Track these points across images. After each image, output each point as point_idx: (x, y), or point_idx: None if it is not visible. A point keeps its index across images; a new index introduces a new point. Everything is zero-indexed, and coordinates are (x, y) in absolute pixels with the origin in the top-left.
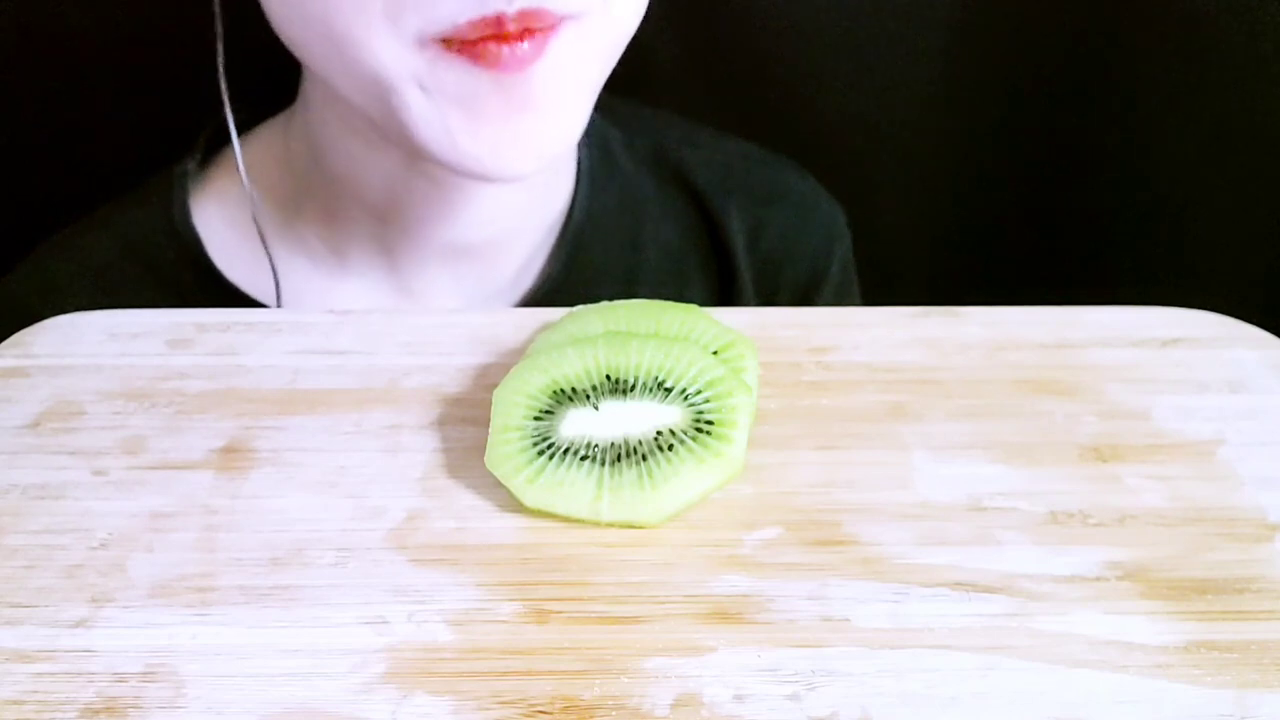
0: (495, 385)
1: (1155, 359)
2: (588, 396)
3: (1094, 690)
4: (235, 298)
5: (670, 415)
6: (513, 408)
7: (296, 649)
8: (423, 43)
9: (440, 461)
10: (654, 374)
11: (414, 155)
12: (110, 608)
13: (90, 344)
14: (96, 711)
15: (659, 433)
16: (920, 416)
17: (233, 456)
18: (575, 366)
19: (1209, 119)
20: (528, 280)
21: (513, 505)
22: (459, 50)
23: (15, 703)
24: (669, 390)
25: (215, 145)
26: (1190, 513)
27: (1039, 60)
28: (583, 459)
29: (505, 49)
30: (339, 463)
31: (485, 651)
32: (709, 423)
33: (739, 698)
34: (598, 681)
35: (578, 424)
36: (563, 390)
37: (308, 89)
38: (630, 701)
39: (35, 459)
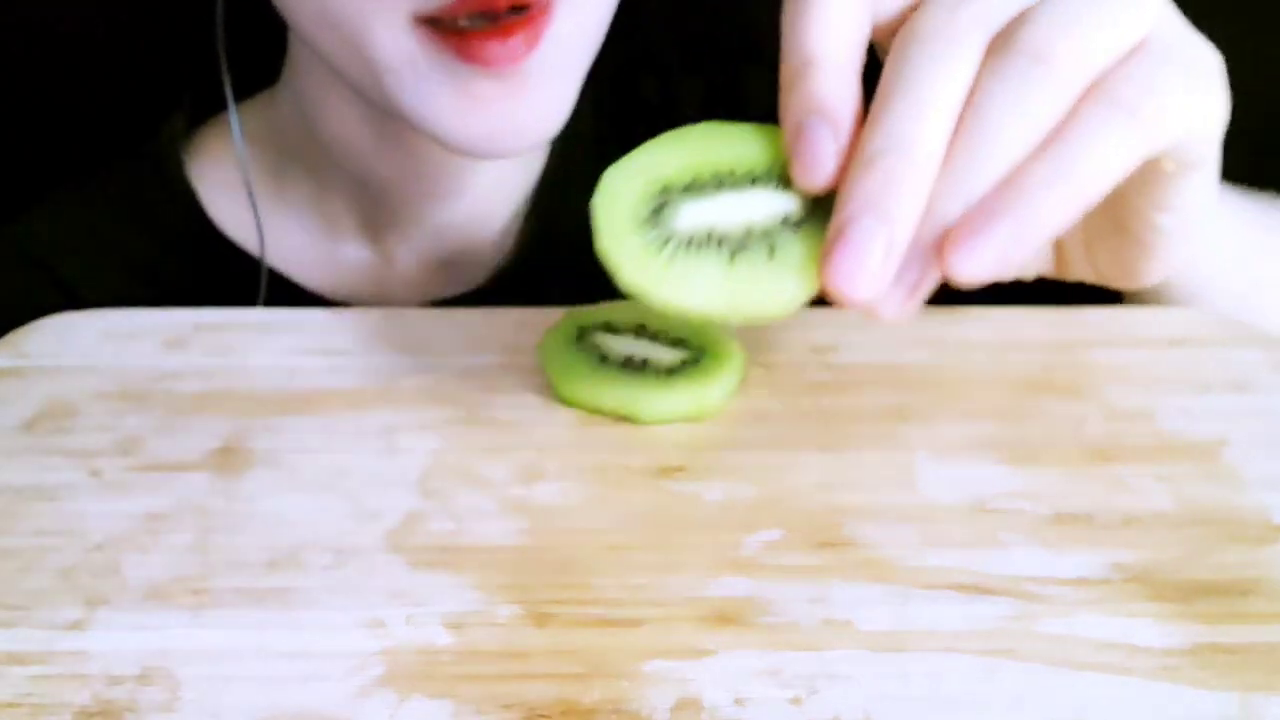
0: (494, 385)
1: (1159, 359)
2: (697, 188)
3: (1098, 693)
4: (235, 254)
5: (787, 203)
6: (625, 206)
7: (293, 652)
8: (416, 23)
9: (438, 462)
10: (764, 165)
11: (406, 127)
12: (105, 610)
13: (85, 344)
14: (92, 715)
15: (785, 218)
16: (923, 417)
17: (229, 457)
18: (678, 161)
19: None
20: (509, 242)
21: (511, 507)
22: (450, 42)
23: (10, 705)
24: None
25: (200, 113)
26: (1195, 514)
27: None
28: (704, 248)
29: (495, 47)
30: (336, 464)
31: (484, 654)
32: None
33: (740, 701)
34: (597, 685)
35: (693, 216)
36: (670, 187)
37: (297, 60)
38: (630, 705)
39: (29, 460)
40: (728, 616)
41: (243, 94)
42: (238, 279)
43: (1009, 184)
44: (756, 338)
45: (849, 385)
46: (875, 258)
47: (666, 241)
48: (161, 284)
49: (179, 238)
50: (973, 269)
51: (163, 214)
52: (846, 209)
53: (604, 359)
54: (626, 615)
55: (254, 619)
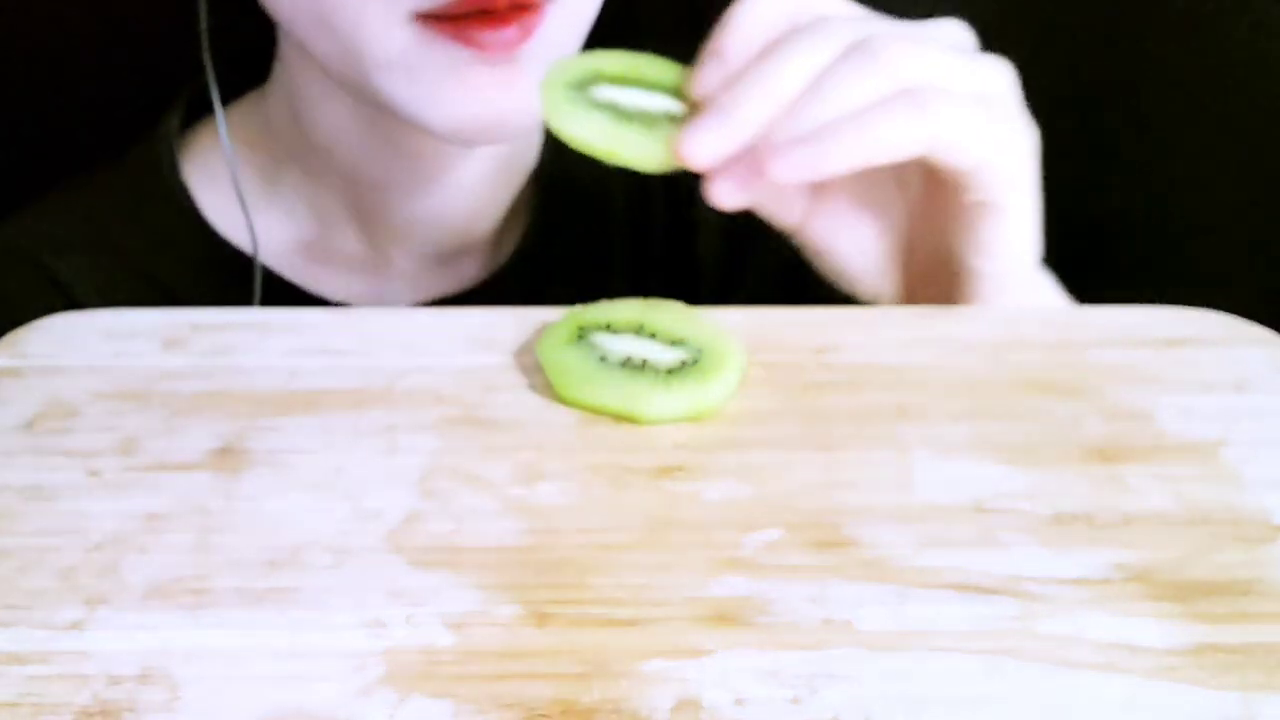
0: (494, 385)
1: (1159, 359)
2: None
3: (1099, 693)
4: (229, 253)
5: (675, 107)
6: (564, 75)
7: (293, 652)
8: (412, 19)
9: (438, 462)
10: (671, 84)
11: (394, 118)
12: (105, 610)
13: (84, 344)
14: (92, 715)
15: (669, 114)
16: (923, 417)
17: (228, 457)
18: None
19: (1214, 118)
20: (505, 238)
21: (511, 507)
22: (445, 29)
23: (10, 705)
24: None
25: (196, 111)
26: (1195, 514)
27: (1043, 64)
28: (605, 110)
29: (490, 34)
30: (336, 464)
31: (483, 654)
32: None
33: (740, 701)
34: (597, 685)
35: (607, 93)
36: (600, 75)
37: (287, 57)
38: (630, 705)
39: (29, 460)
40: (728, 616)
41: (236, 93)
42: (232, 278)
43: (823, 128)
44: (756, 338)
45: (849, 385)
46: (711, 139)
47: (582, 100)
48: (157, 283)
49: (173, 237)
50: (780, 172)
51: (157, 214)
52: (707, 108)
53: (604, 359)
54: (626, 615)
55: (254, 619)
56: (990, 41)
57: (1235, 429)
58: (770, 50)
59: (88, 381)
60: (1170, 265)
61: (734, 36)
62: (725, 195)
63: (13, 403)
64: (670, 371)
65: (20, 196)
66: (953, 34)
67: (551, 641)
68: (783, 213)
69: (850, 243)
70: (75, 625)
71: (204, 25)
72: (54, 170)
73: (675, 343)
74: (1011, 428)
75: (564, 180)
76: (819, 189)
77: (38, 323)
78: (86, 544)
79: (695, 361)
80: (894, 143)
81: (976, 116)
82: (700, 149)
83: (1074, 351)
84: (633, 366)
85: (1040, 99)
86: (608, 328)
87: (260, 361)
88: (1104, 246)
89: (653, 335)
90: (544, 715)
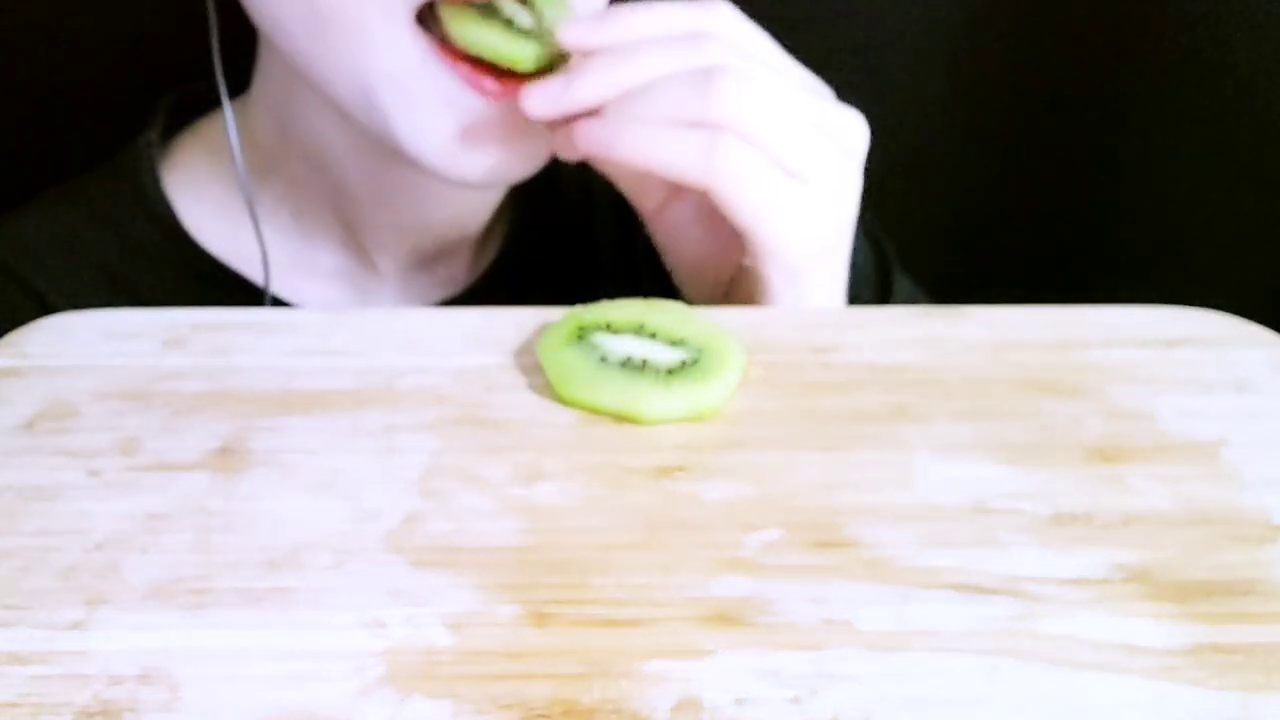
0: (494, 385)
1: (1160, 359)
2: None
3: (1099, 693)
4: (209, 264)
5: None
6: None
7: (293, 652)
8: (418, 25)
9: (438, 463)
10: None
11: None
12: (106, 610)
13: (84, 344)
14: (92, 715)
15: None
16: (923, 417)
17: (228, 457)
18: None
19: (1214, 119)
20: (491, 241)
21: (511, 507)
22: (459, 69)
23: (11, 705)
24: None
25: (175, 122)
26: (1195, 514)
27: (1043, 62)
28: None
29: (497, 83)
30: (335, 464)
31: (483, 655)
32: None
33: (740, 701)
34: (597, 685)
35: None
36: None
37: (270, 69)
38: (630, 705)
39: (29, 460)
40: (728, 616)
41: (212, 105)
42: (213, 291)
43: (625, 122)
44: (756, 338)
45: (849, 385)
46: (548, 97)
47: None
48: (137, 296)
49: (154, 249)
50: (577, 137)
51: (137, 225)
52: (560, 74)
53: (604, 359)
54: (626, 615)
55: (254, 619)
56: (990, 43)
57: (1235, 429)
58: (635, 43)
59: (88, 381)
60: (1170, 265)
61: (615, 22)
62: (561, 149)
63: (13, 403)
64: (670, 371)
65: (18, 199)
66: (819, 86)
67: (551, 641)
68: (642, 198)
69: (687, 249)
70: (76, 625)
71: (214, 35)
72: (48, 173)
73: (675, 343)
74: (1011, 428)
75: (546, 181)
76: (677, 189)
77: (38, 322)
78: (87, 544)
79: (695, 361)
80: (670, 163)
81: (766, 184)
82: (532, 102)
83: (1074, 351)
84: (633, 367)
85: (1040, 99)
86: (608, 328)
87: (260, 361)
88: (1104, 246)
89: (653, 335)
90: (544, 715)
